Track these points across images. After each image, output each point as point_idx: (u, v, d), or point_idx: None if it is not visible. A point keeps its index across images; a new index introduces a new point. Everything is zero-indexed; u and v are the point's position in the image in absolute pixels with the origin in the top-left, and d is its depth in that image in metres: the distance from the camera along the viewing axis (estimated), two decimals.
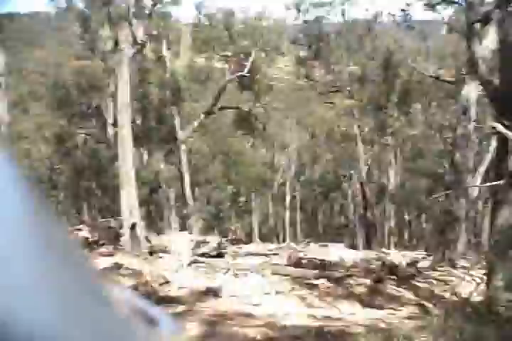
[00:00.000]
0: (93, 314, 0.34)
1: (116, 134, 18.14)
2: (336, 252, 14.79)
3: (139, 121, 27.37)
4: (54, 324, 0.30)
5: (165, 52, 26.54)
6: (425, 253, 21.71)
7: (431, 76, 21.13)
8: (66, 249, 0.36)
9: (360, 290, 9.17)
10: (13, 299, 0.28)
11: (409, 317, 7.02)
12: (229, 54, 26.93)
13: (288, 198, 35.31)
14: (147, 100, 27.66)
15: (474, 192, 19.40)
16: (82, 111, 27.79)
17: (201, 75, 33.14)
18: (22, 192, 0.32)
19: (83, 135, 29.30)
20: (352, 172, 31.22)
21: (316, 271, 10.97)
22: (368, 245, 26.43)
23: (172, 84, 26.48)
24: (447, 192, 13.41)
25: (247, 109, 27.22)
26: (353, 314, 7.46)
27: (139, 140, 26.58)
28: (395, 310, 7.77)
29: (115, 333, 0.36)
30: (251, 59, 25.02)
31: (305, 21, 28.49)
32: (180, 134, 25.74)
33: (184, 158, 26.14)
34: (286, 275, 10.58)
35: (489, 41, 10.98)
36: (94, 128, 27.88)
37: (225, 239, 18.45)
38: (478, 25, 11.24)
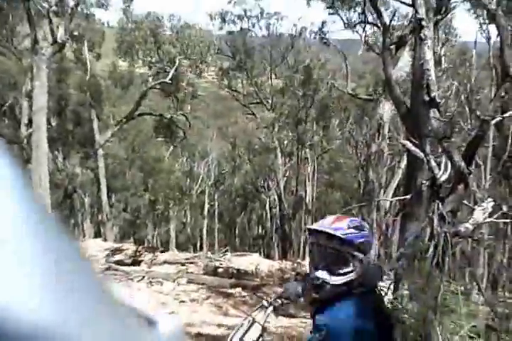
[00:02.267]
0: (97, 312, 0.35)
1: (30, 135, 17.48)
2: (252, 262, 14.95)
3: (54, 123, 26.49)
4: (57, 321, 0.30)
5: (86, 54, 25.91)
6: None
7: (349, 93, 21.94)
8: (66, 249, 0.36)
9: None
10: (13, 295, 0.28)
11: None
12: (152, 60, 26.69)
13: (206, 207, 35.27)
14: (65, 102, 26.85)
15: (385, 206, 20.29)
16: None
17: (123, 80, 32.63)
18: (20, 191, 0.32)
19: None
20: (270, 183, 31.68)
21: (232, 280, 11.06)
22: (283, 255, 26.85)
23: (92, 87, 25.87)
24: (360, 204, 13.89)
25: (168, 116, 27.04)
26: (267, 322, 7.58)
27: (54, 142, 25.74)
28: (307, 318, 7.95)
29: (117, 332, 0.37)
30: (175, 66, 24.93)
31: (229, 32, 28.82)
32: (99, 138, 25.14)
33: (101, 163, 25.54)
34: (202, 284, 10.59)
35: (403, 64, 11.59)
36: (7, 128, 26.64)
37: (142, 246, 18.18)
38: (394, 48, 11.88)
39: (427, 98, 6.29)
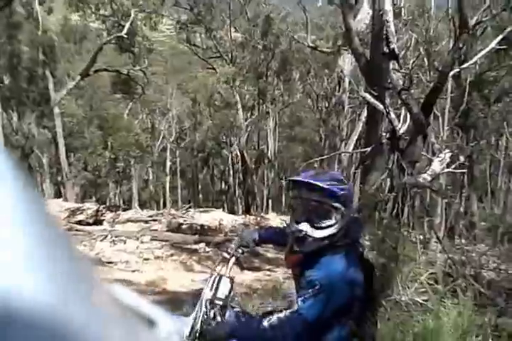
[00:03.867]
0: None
1: None
2: (215, 217, 15.03)
3: (7, 81, 25.53)
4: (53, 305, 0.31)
5: (37, 8, 24.72)
6: None
7: (309, 46, 21.69)
8: (60, 239, 0.36)
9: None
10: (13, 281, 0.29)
11: (285, 278, 7.38)
12: (106, 13, 25.67)
13: (168, 164, 35.07)
14: (17, 59, 25.79)
15: (346, 159, 20.53)
16: None
17: (76, 35, 31.47)
18: (14, 182, 0.33)
19: None
20: (232, 138, 31.58)
21: (196, 236, 11.11)
22: (246, 210, 27.10)
23: (44, 43, 24.85)
24: (322, 157, 13.99)
25: (125, 72, 26.33)
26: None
27: (8, 101, 24.87)
28: (270, 271, 8.15)
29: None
30: (130, 20, 24.08)
31: None
32: (54, 96, 24.36)
33: (58, 121, 24.85)
34: (165, 241, 10.61)
35: (363, 15, 11.45)
36: None
37: (103, 205, 18.03)
38: None
39: (386, 50, 6.24)
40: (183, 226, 13.62)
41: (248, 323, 2.11)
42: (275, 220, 17.97)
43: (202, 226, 13.77)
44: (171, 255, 9.32)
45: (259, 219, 17.41)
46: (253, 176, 29.65)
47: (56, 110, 24.43)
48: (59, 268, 0.33)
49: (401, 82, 6.14)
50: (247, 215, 19.72)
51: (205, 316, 2.17)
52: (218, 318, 2.14)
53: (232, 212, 25.67)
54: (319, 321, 2.01)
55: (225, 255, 2.52)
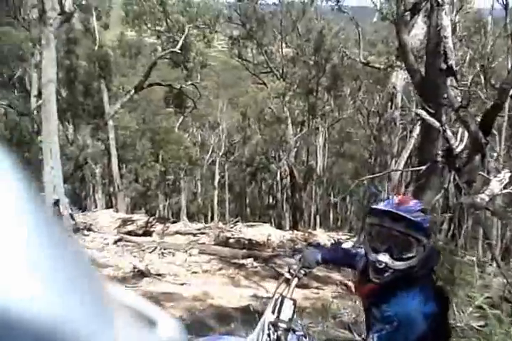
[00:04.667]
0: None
1: (39, 107, 17.40)
2: (263, 232, 14.98)
3: (64, 94, 26.39)
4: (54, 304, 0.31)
5: (94, 24, 25.58)
6: (349, 234, 22.43)
7: (361, 62, 21.55)
8: (60, 239, 0.36)
9: (287, 269, 9.34)
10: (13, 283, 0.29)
11: (334, 297, 7.25)
12: (161, 29, 26.30)
13: (217, 178, 35.32)
14: (74, 72, 26.67)
15: (396, 177, 20.15)
16: (3, 82, 26.38)
17: (131, 49, 32.28)
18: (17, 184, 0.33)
19: (4, 106, 27.89)
20: (281, 153, 31.56)
21: (244, 251, 11.08)
22: (294, 226, 26.94)
23: (100, 57, 25.63)
24: (373, 176, 13.78)
25: (178, 87, 26.81)
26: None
27: (64, 114, 25.67)
28: (318, 289, 8.01)
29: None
30: (184, 35, 24.58)
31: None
32: (109, 109, 25.04)
33: (112, 134, 25.50)
34: (213, 255, 10.62)
35: (418, 31, 11.31)
36: (16, 100, 26.57)
37: (153, 217, 18.29)
38: (408, 15, 11.56)
39: (443, 66, 6.11)
40: (231, 240, 13.63)
41: None
42: (322, 236, 17.78)
43: (250, 240, 13.75)
44: (219, 269, 9.32)
45: (306, 235, 17.27)
46: (301, 191, 29.50)
47: (110, 123, 25.09)
48: (59, 268, 0.33)
49: (459, 99, 5.98)
50: (295, 231, 19.60)
51: (268, 339, 2.12)
52: None
53: (279, 227, 25.57)
54: None
55: (287, 275, 2.47)
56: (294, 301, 2.27)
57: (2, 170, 0.33)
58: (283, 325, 2.12)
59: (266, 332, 2.13)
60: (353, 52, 24.41)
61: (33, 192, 0.34)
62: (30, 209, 0.33)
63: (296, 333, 2.23)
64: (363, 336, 5.07)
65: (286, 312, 2.19)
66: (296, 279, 2.44)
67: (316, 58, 27.12)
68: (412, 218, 1.91)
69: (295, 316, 2.23)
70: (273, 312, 2.19)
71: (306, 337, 2.28)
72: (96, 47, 25.28)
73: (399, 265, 1.96)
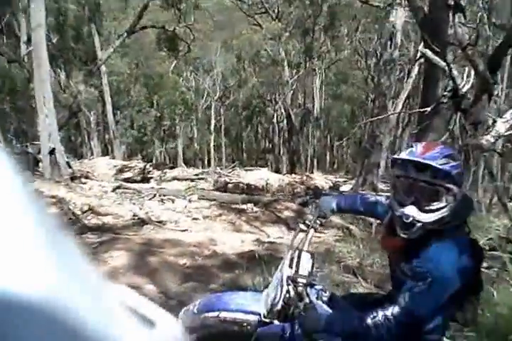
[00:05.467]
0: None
1: (30, 53, 16.89)
2: (261, 176, 14.94)
3: (55, 40, 25.64)
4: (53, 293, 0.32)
5: None
6: (346, 177, 22.49)
7: (360, 0, 20.80)
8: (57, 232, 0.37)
9: (287, 214, 9.34)
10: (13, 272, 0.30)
11: (335, 240, 7.26)
12: None
13: (213, 122, 35.01)
14: (63, 17, 25.79)
15: (394, 118, 19.95)
16: None
17: None
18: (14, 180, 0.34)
19: None
20: (277, 96, 31.14)
21: (243, 196, 11.05)
22: (291, 169, 26.98)
23: (90, 0, 24.71)
24: (373, 119, 13.57)
25: (171, 29, 26.01)
26: (280, 238, 7.62)
27: (55, 60, 25.03)
28: (320, 233, 8.00)
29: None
30: None
31: None
32: (100, 54, 24.37)
33: (105, 79, 24.99)
34: (213, 200, 10.59)
35: None
36: (5, 46, 25.80)
37: (150, 163, 18.18)
38: None
39: (451, 2, 5.82)
40: (230, 185, 13.60)
41: (347, 319, 1.93)
42: (320, 179, 17.80)
43: (248, 185, 13.73)
44: (220, 215, 9.30)
45: (304, 178, 17.25)
46: (298, 135, 29.36)
47: (103, 68, 24.48)
48: (59, 264, 0.34)
49: (467, 37, 5.73)
50: (292, 174, 19.60)
51: (287, 295, 2.03)
52: (306, 299, 1.99)
53: (276, 170, 25.60)
54: (426, 314, 1.87)
55: (302, 227, 2.35)
56: (312, 254, 2.16)
57: (2, 170, 0.33)
58: (302, 280, 2.03)
59: (285, 288, 2.04)
60: None
61: (31, 191, 0.35)
62: (28, 206, 0.33)
63: (315, 287, 2.15)
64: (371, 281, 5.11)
65: (305, 266, 2.09)
66: (312, 230, 2.33)
67: None
68: (438, 166, 1.78)
69: (314, 269, 2.14)
70: (290, 266, 2.09)
71: (325, 292, 2.20)
72: None
73: (427, 217, 1.83)
